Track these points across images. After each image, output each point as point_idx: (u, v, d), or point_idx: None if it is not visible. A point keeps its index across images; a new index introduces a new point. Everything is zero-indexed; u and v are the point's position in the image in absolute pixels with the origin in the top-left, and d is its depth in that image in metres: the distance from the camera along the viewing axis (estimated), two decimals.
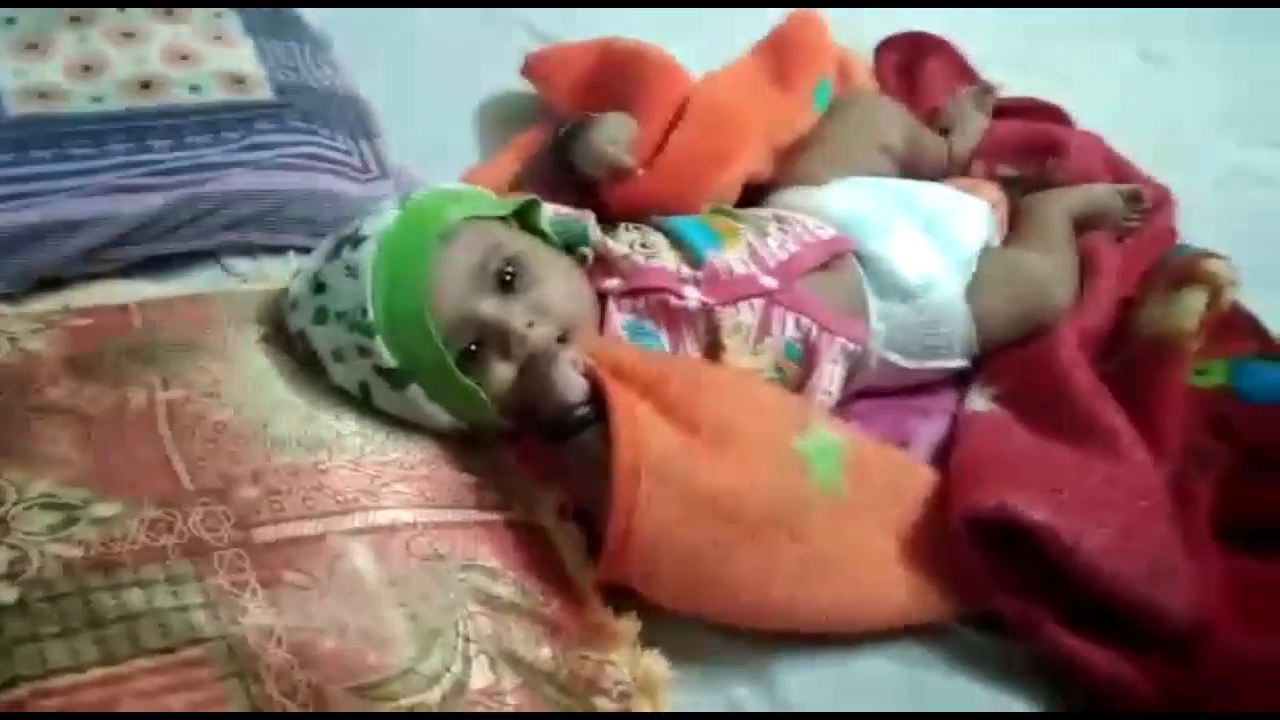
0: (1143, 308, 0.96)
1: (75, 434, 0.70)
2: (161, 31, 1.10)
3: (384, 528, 0.70)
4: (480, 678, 0.65)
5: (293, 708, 0.60)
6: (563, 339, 0.79)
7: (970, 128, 1.13)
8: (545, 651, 0.69)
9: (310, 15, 1.24)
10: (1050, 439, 0.83)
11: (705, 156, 0.97)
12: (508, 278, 0.78)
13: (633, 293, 0.84)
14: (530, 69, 1.16)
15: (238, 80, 1.08)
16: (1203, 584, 0.77)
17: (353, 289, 0.76)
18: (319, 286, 0.78)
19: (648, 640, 0.73)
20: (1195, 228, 1.09)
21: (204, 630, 0.61)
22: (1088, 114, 1.19)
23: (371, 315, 0.75)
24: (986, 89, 1.16)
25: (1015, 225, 1.02)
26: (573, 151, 0.94)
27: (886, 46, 1.25)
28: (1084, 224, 1.01)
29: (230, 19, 1.15)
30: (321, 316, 0.78)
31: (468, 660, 0.65)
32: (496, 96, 1.23)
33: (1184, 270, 0.96)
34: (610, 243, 0.85)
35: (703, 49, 1.11)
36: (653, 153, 0.97)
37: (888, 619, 0.77)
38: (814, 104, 1.07)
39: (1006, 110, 1.17)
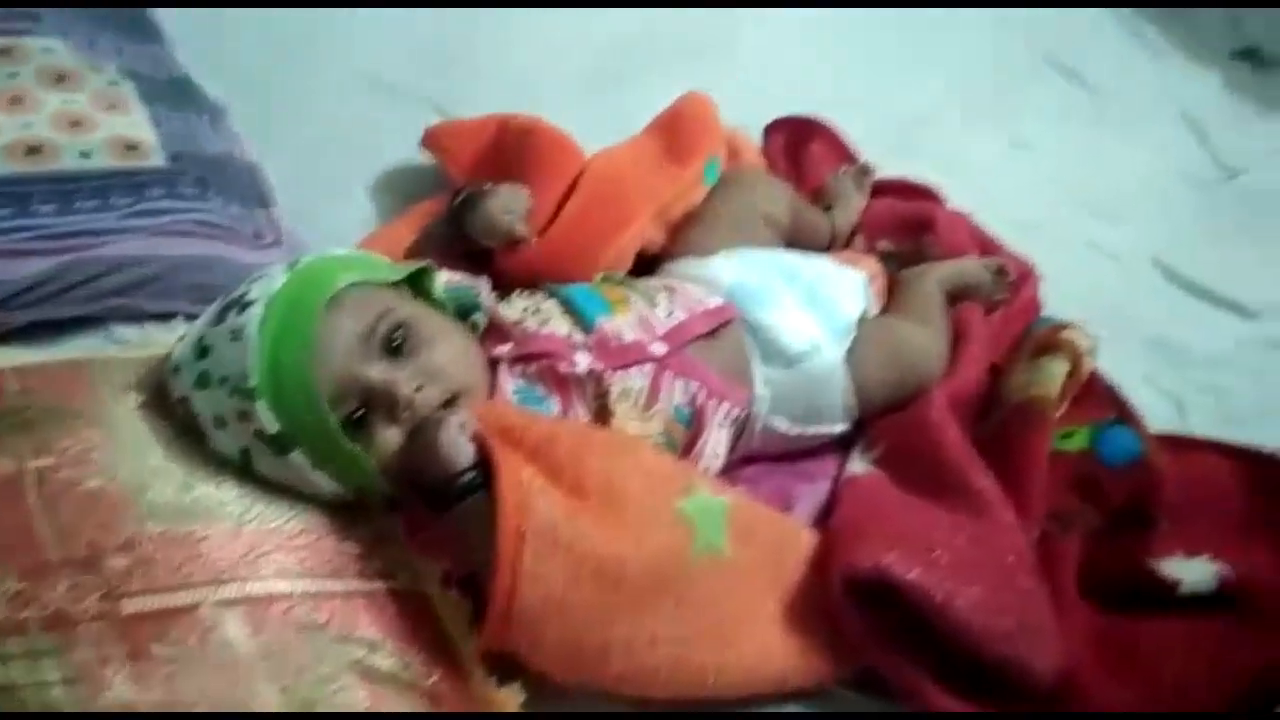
0: (1009, 376, 1.01)
1: None
2: (51, 99, 1.09)
3: (260, 598, 0.69)
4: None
5: None
6: (451, 403, 0.79)
7: (851, 205, 1.19)
8: None
9: (212, 84, 1.25)
10: (924, 500, 0.87)
11: (597, 227, 1.00)
12: (396, 343, 0.79)
13: (524, 358, 0.85)
14: (430, 141, 1.18)
15: (130, 147, 1.07)
16: (1068, 640, 0.81)
17: (236, 353, 0.75)
18: (202, 351, 0.78)
19: (532, 712, 0.73)
20: (1057, 301, 1.15)
21: (60, 707, 0.59)
22: (959, 194, 1.26)
23: (255, 380, 0.75)
24: (865, 169, 1.23)
25: (892, 297, 1.07)
26: (468, 220, 0.95)
27: (774, 128, 1.31)
28: (955, 296, 1.07)
29: (127, 85, 1.15)
30: (204, 381, 0.77)
31: None
32: (396, 168, 1.25)
33: (1046, 340, 1.02)
34: (502, 309, 0.87)
35: (600, 128, 1.15)
36: (547, 223, 0.99)
37: (770, 683, 0.78)
38: (705, 180, 1.12)
39: (884, 189, 1.24)
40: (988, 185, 1.33)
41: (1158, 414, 1.06)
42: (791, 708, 0.79)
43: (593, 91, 1.39)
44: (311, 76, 1.36)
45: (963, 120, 1.50)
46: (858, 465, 0.93)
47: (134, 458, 0.75)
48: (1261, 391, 1.15)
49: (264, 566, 0.70)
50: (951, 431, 0.90)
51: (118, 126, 1.09)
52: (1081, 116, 1.57)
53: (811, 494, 0.92)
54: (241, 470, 0.78)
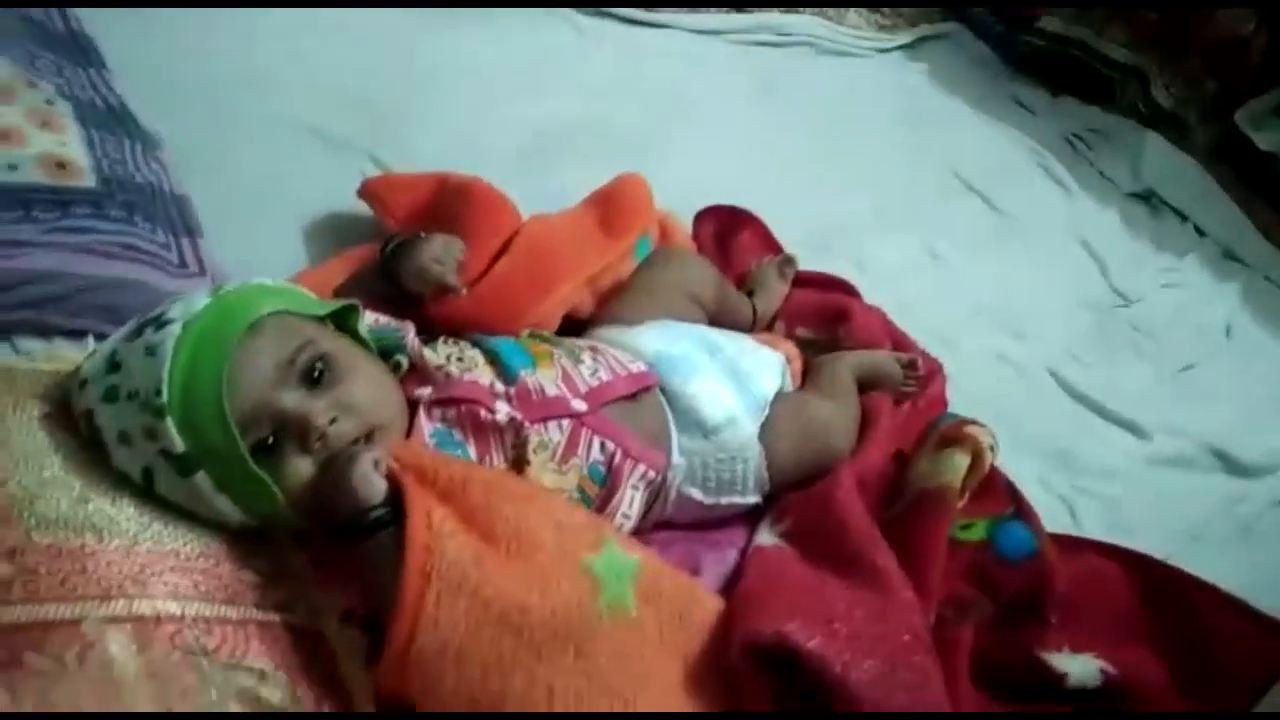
0: (914, 464, 1.05)
1: None
2: None
3: (148, 618, 0.66)
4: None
5: None
6: (366, 439, 0.79)
7: (773, 292, 1.23)
8: None
9: (149, 116, 1.24)
10: (827, 574, 0.88)
11: (527, 285, 1.02)
12: (315, 373, 0.78)
13: (444, 402, 0.85)
14: (367, 191, 1.19)
15: (60, 165, 1.05)
16: None
17: (149, 368, 0.74)
18: (114, 365, 0.76)
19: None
20: (961, 402, 1.21)
21: None
22: (873, 297, 1.32)
23: (165, 396, 0.73)
24: (789, 260, 1.28)
25: (807, 379, 1.11)
26: (400, 266, 0.96)
27: (705, 215, 1.36)
28: (866, 384, 1.11)
29: (63, 106, 1.13)
30: (112, 395, 0.75)
31: None
32: (330, 215, 1.25)
33: (951, 433, 1.06)
34: (426, 352, 0.87)
35: (531, 203, 1.17)
36: (477, 277, 1.00)
37: None
38: (635, 254, 1.15)
39: (805, 281, 1.29)
40: (901, 291, 1.40)
41: (1050, 516, 1.10)
42: None
43: (527, 167, 1.41)
44: (250, 119, 1.36)
45: (880, 229, 1.57)
46: (765, 537, 0.94)
47: (27, 467, 0.72)
48: (1148, 504, 1.21)
49: (155, 586, 0.68)
50: (857, 509, 0.92)
51: (49, 144, 1.07)
52: (991, 237, 1.66)
53: (718, 562, 0.93)
54: (143, 490, 0.75)
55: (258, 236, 1.17)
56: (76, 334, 0.95)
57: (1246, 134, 1.85)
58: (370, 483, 0.74)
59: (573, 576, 0.76)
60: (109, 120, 1.18)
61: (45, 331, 0.95)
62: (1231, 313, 1.61)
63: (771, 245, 1.35)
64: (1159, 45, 1.96)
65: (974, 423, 1.08)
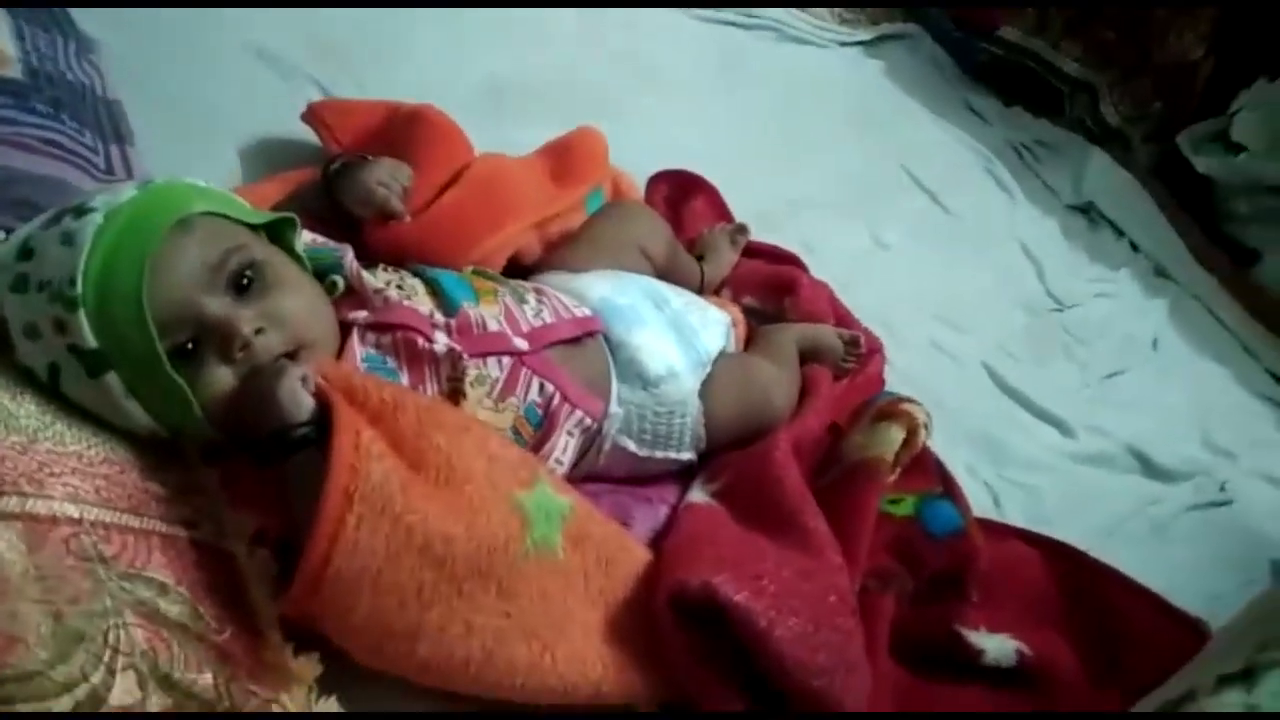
0: (849, 437, 1.04)
1: None
2: None
3: (43, 517, 0.62)
4: (123, 693, 0.57)
5: None
6: (292, 356, 0.75)
7: (722, 259, 1.22)
8: (207, 678, 0.62)
9: (88, 22, 1.17)
10: (757, 533, 0.87)
11: (473, 221, 0.98)
12: (245, 281, 0.74)
13: (379, 327, 0.81)
14: (313, 114, 1.14)
15: None
16: (875, 688, 0.82)
17: (64, 258, 0.69)
18: (26, 253, 0.71)
19: (327, 688, 0.68)
20: (896, 385, 1.21)
21: None
22: (819, 275, 1.31)
23: (80, 288, 0.68)
24: (741, 229, 1.27)
25: (750, 345, 1.10)
26: (342, 186, 0.92)
27: (658, 179, 1.34)
28: (807, 356, 1.10)
29: None
30: (21, 285, 0.70)
31: (112, 673, 0.58)
32: (271, 137, 1.20)
33: (887, 409, 1.06)
34: (365, 275, 0.83)
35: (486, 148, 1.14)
36: (424, 207, 0.97)
37: (583, 694, 0.75)
38: (586, 207, 1.13)
39: (754, 251, 1.28)
40: (846, 274, 1.39)
41: (975, 502, 1.10)
42: None
43: (481, 117, 1.36)
44: (195, 36, 1.30)
45: (829, 213, 1.57)
46: (697, 495, 0.93)
47: None
48: (1068, 498, 1.23)
49: (53, 487, 0.63)
50: (792, 472, 0.91)
51: None
52: (936, 233, 1.68)
53: (649, 516, 0.91)
54: (47, 389, 0.70)
55: (192, 152, 1.11)
56: None
57: (1186, 156, 1.90)
58: (297, 398, 0.70)
59: (501, 511, 0.73)
60: (41, 15, 1.12)
61: None
62: (1159, 326, 1.65)
63: (723, 214, 1.34)
64: (1112, 63, 2.00)
65: (911, 401, 1.08)
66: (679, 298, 1.03)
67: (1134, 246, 1.84)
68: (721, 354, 1.01)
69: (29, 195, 0.91)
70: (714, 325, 1.02)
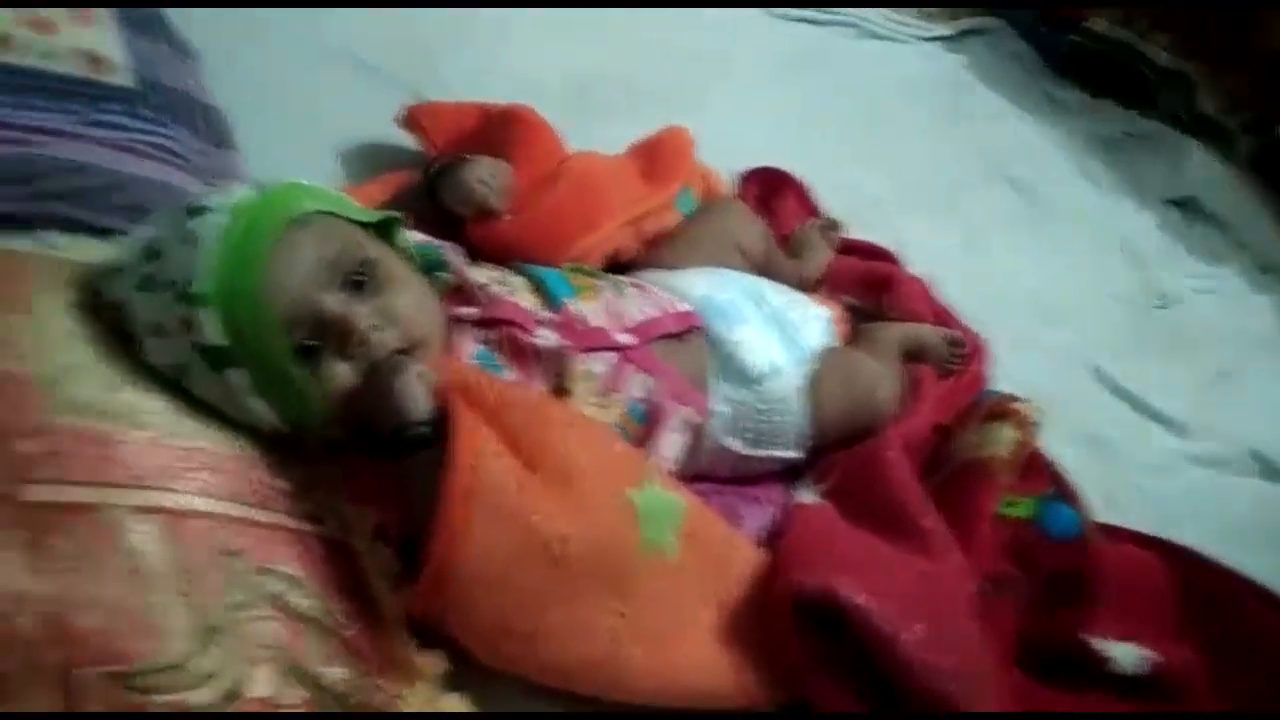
0: (959, 436, 1.01)
1: None
2: None
3: (177, 511, 0.62)
4: (260, 686, 0.58)
5: (32, 686, 0.51)
6: (406, 352, 0.75)
7: (817, 256, 1.19)
8: (338, 672, 0.62)
9: (188, 33, 1.20)
10: (872, 533, 0.84)
11: (571, 219, 0.98)
12: (358, 279, 0.74)
13: (485, 323, 0.81)
14: (409, 119, 1.15)
15: (95, 60, 1.01)
16: (999, 695, 0.79)
17: (187, 257, 0.70)
18: (151, 253, 0.72)
19: (454, 684, 0.67)
20: (997, 384, 1.17)
21: None
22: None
23: (204, 286, 0.69)
24: (834, 224, 1.24)
25: (852, 344, 1.07)
26: (443, 188, 0.93)
27: (749, 178, 1.32)
28: (911, 355, 1.08)
29: (103, 8, 1.09)
30: (148, 284, 0.71)
31: (250, 665, 0.58)
32: (370, 144, 1.21)
33: (997, 407, 1.02)
34: (470, 270, 0.83)
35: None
36: (521, 206, 0.97)
37: (701, 697, 0.74)
38: (678, 206, 1.12)
39: (848, 248, 1.26)
40: (936, 272, 1.36)
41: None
42: None
43: (561, 115, 1.38)
44: (293, 43, 1.32)
45: (915, 210, 1.54)
46: (807, 494, 0.91)
47: (56, 350, 0.68)
48: (1183, 500, 1.18)
49: (185, 482, 0.64)
50: (904, 470, 0.89)
51: (86, 39, 1.03)
52: (1028, 228, 1.63)
53: (758, 515, 0.89)
54: (173, 386, 0.71)
55: (292, 157, 1.13)
56: (103, 232, 0.91)
57: None
58: (416, 396, 0.70)
59: (613, 510, 0.72)
60: (147, 25, 1.14)
61: (71, 227, 0.91)
62: (1268, 324, 1.58)
63: (813, 211, 1.31)
64: (1205, 53, 1.94)
65: (1022, 399, 1.04)
66: (779, 294, 1.01)
67: (1236, 242, 1.77)
68: (825, 349, 0.98)
69: (139, 199, 0.92)
70: (815, 321, 1.00)
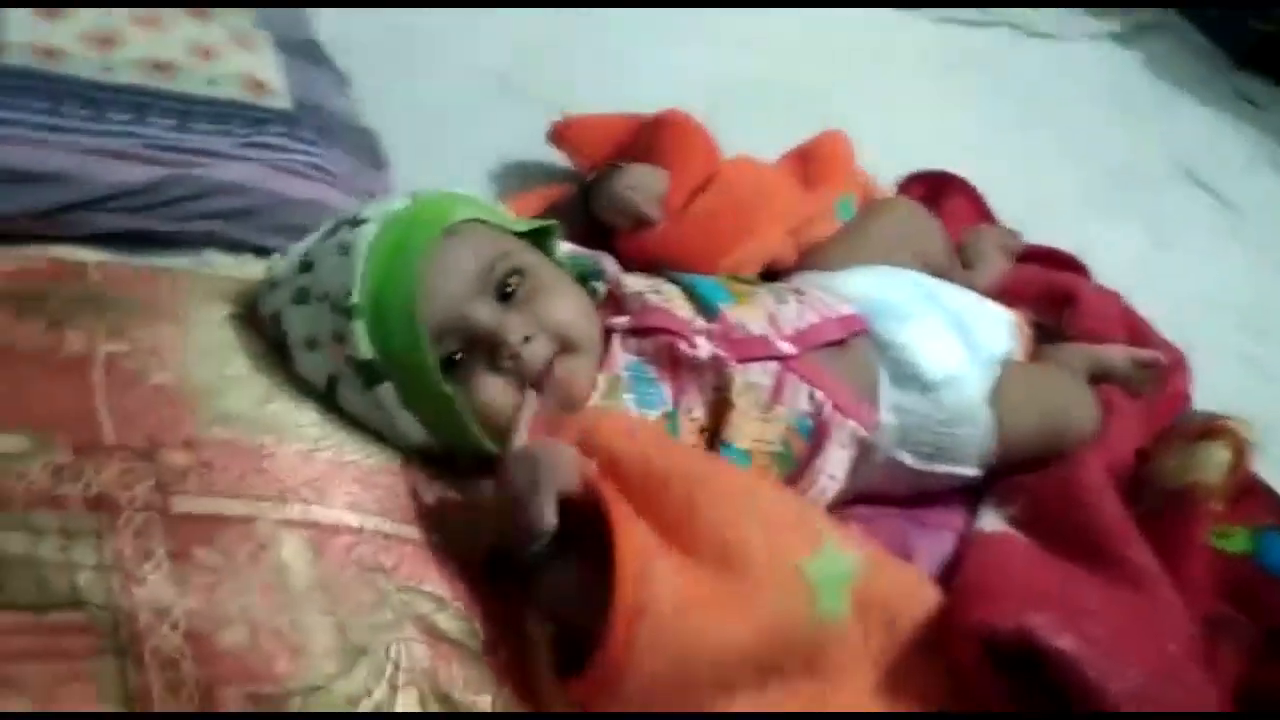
0: (1161, 460, 0.90)
1: None
2: (187, 27, 1.06)
3: (325, 526, 0.60)
4: (404, 710, 0.54)
5: (173, 703, 0.49)
6: (560, 353, 0.72)
7: (992, 266, 1.10)
8: (485, 700, 0.58)
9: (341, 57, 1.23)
10: (1070, 566, 0.75)
11: (730, 224, 0.93)
12: (509, 288, 0.72)
13: (641, 332, 0.77)
14: (558, 135, 1.13)
15: (256, 84, 1.04)
16: None
17: (342, 268, 0.69)
18: (306, 265, 0.71)
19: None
20: (1200, 404, 1.04)
21: (88, 595, 0.51)
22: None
23: (356, 298, 0.67)
24: (1012, 233, 1.15)
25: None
26: (597, 197, 0.90)
27: (911, 182, 1.25)
28: (1094, 382, 0.96)
29: (261, 33, 1.12)
30: (303, 296, 0.70)
31: (394, 689, 0.55)
32: (519, 162, 1.20)
33: (1205, 426, 0.91)
34: (625, 278, 0.79)
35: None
36: (677, 213, 0.93)
37: None
38: (837, 213, 1.05)
39: (1029, 256, 1.16)
40: (1125, 280, 1.24)
41: None
42: None
43: (712, 126, 1.35)
44: (437, 66, 1.34)
45: (1095, 213, 1.43)
46: (990, 522, 0.82)
47: (210, 362, 0.68)
48: None
49: (334, 495, 0.62)
50: (1109, 497, 0.79)
51: (247, 64, 1.06)
52: (1222, 230, 1.50)
53: (933, 544, 0.81)
54: (324, 400, 0.70)
55: (443, 178, 1.11)
56: (263, 251, 0.93)
57: None
58: (543, 516, 0.60)
59: (786, 588, 0.65)
60: (303, 51, 1.17)
61: (234, 247, 0.93)
62: None
63: (986, 216, 1.22)
64: None
65: (1232, 417, 0.92)
66: (955, 293, 0.92)
67: None
68: (1009, 358, 0.89)
69: (297, 219, 0.93)
70: (997, 324, 0.91)
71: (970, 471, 0.85)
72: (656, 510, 0.64)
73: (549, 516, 0.60)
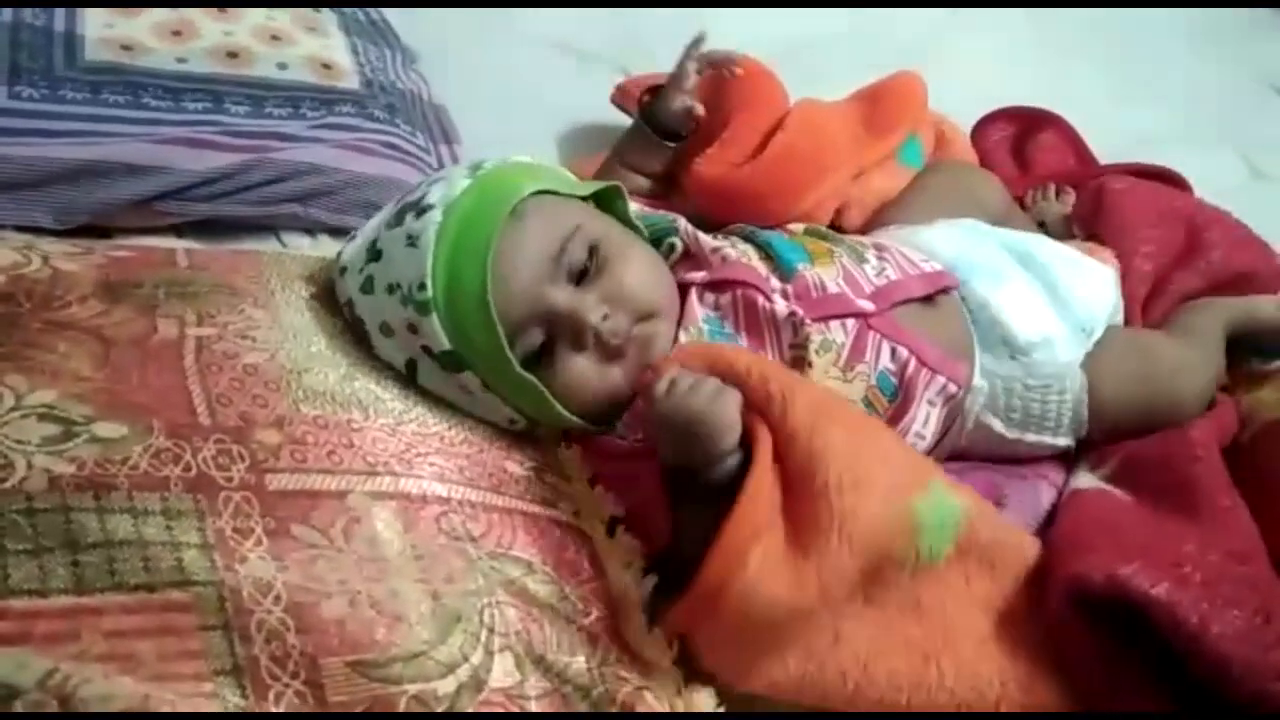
0: (1261, 388, 0.86)
1: (92, 353, 0.63)
2: (255, 14, 1.08)
3: (414, 496, 0.61)
4: (502, 675, 0.56)
5: (281, 675, 0.51)
6: (639, 322, 0.72)
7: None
8: (580, 662, 0.59)
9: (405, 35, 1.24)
10: (1166, 515, 0.73)
11: (803, 164, 0.92)
12: (583, 266, 0.71)
13: (717, 286, 0.76)
14: (622, 94, 1.12)
15: (326, 66, 1.06)
16: None
17: (411, 260, 0.68)
18: (375, 254, 0.71)
19: (697, 676, 0.63)
20: None
21: (194, 573, 0.53)
22: None
23: (430, 292, 0.67)
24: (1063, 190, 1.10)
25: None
26: (657, 109, 0.93)
27: (992, 119, 1.21)
28: (1242, 339, 0.91)
29: (327, 14, 1.14)
30: (370, 286, 0.70)
31: (490, 653, 0.56)
32: (585, 126, 1.20)
33: None
34: (702, 235, 0.79)
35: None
36: (753, 155, 0.92)
37: (981, 706, 0.65)
38: (899, 157, 1.03)
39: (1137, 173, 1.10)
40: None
41: None
42: None
43: (787, 80, 1.32)
44: (500, 38, 1.34)
45: (1193, 144, 1.36)
46: (1084, 480, 0.79)
47: (295, 342, 0.69)
48: None
49: (421, 466, 0.63)
50: (1210, 452, 0.76)
51: (316, 47, 1.08)
52: None
53: (1027, 496, 0.79)
54: (406, 380, 0.71)
55: (512, 147, 1.13)
56: (340, 231, 0.94)
57: None
58: (730, 422, 0.63)
59: (895, 523, 0.64)
60: (370, 31, 1.18)
61: (311, 229, 0.95)
62: None
63: (1080, 151, 1.18)
64: None
65: None
66: (1048, 248, 0.89)
67: None
68: (1110, 320, 0.86)
69: (373, 197, 0.95)
70: (1096, 281, 0.87)
71: (1062, 441, 0.83)
72: (776, 428, 0.64)
73: (734, 420, 0.63)
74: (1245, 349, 0.91)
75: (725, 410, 0.63)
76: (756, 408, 0.65)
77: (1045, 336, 0.82)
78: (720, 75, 0.97)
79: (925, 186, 0.98)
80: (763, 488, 0.61)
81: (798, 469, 0.63)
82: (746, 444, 0.64)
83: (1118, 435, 0.83)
